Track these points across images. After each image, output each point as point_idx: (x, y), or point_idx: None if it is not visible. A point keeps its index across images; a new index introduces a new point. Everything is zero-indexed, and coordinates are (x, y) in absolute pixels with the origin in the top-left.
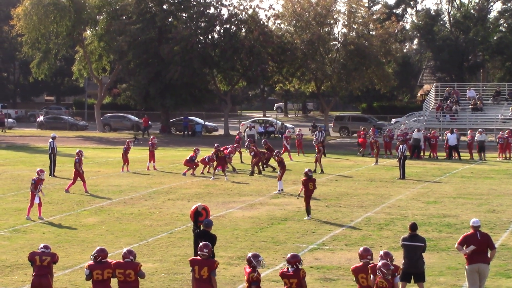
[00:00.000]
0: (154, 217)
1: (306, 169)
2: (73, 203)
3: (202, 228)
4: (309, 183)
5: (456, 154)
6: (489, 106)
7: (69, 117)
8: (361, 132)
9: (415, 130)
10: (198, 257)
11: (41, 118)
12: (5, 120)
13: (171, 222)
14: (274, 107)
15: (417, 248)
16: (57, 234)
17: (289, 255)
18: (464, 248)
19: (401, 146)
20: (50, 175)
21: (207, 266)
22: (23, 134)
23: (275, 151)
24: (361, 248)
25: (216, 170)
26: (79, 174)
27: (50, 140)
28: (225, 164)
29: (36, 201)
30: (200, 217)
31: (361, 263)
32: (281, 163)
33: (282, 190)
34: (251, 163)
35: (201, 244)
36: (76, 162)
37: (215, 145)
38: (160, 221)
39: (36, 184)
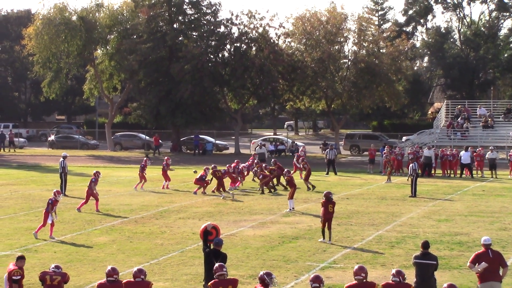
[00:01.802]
0: (165, 236)
1: (326, 191)
2: (84, 222)
3: (213, 247)
4: (328, 205)
5: (468, 172)
6: (500, 124)
7: (80, 136)
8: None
9: (426, 148)
10: (216, 279)
11: (52, 137)
12: (16, 139)
13: (182, 241)
14: (285, 125)
15: (429, 266)
16: (68, 253)
17: (312, 276)
18: (476, 266)
19: (412, 164)
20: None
21: (231, 285)
22: (34, 154)
23: (285, 170)
24: (356, 266)
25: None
26: (92, 193)
27: (61, 159)
28: (235, 181)
29: (49, 221)
30: (209, 236)
31: (355, 282)
32: (291, 182)
33: (293, 208)
34: (259, 182)
35: (217, 265)
36: (92, 181)
37: (212, 165)
38: (171, 240)
39: (53, 205)
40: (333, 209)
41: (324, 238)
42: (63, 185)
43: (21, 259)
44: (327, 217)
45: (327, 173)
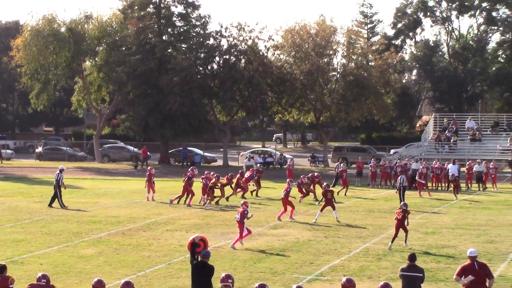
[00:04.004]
0: (152, 248)
1: (402, 203)
2: (71, 234)
3: (200, 259)
4: (398, 214)
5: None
6: (488, 137)
7: (67, 148)
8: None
9: (413, 161)
10: None
11: (39, 149)
12: (3, 151)
13: (170, 253)
14: (273, 138)
15: (416, 278)
16: (55, 265)
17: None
18: (463, 278)
19: (400, 177)
20: (48, 206)
21: None
22: (21, 165)
23: (324, 184)
24: (344, 278)
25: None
26: (186, 189)
27: (58, 171)
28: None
29: (245, 232)
30: (197, 248)
31: None
32: (324, 196)
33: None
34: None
35: (223, 275)
36: (190, 177)
37: (206, 172)
38: (158, 252)
39: (241, 217)
40: (402, 218)
41: (392, 243)
42: (56, 198)
43: (5, 269)
44: (399, 225)
45: (334, 185)
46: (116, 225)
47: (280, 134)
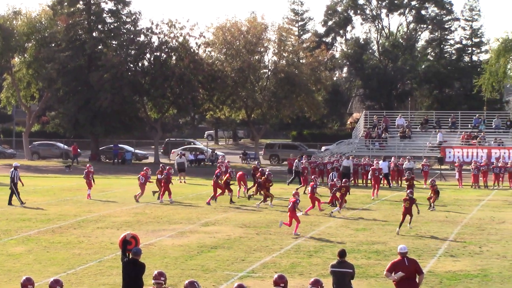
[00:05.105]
0: (82, 245)
1: (408, 191)
2: (0, 232)
3: (131, 256)
4: (406, 202)
5: (386, 182)
6: (417, 134)
7: None
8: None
9: (345, 158)
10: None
11: None
12: None
13: (100, 250)
14: (205, 135)
15: (346, 274)
16: None
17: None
18: (393, 274)
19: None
20: (8, 204)
21: None
22: None
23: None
24: (276, 275)
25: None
26: (218, 185)
27: (12, 169)
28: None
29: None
30: (129, 245)
31: None
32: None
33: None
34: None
35: (156, 272)
36: (218, 175)
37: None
38: (89, 249)
39: (293, 205)
40: (409, 205)
41: (399, 228)
42: (14, 196)
43: None
44: (405, 212)
45: (291, 182)
46: (46, 223)
47: (212, 131)
